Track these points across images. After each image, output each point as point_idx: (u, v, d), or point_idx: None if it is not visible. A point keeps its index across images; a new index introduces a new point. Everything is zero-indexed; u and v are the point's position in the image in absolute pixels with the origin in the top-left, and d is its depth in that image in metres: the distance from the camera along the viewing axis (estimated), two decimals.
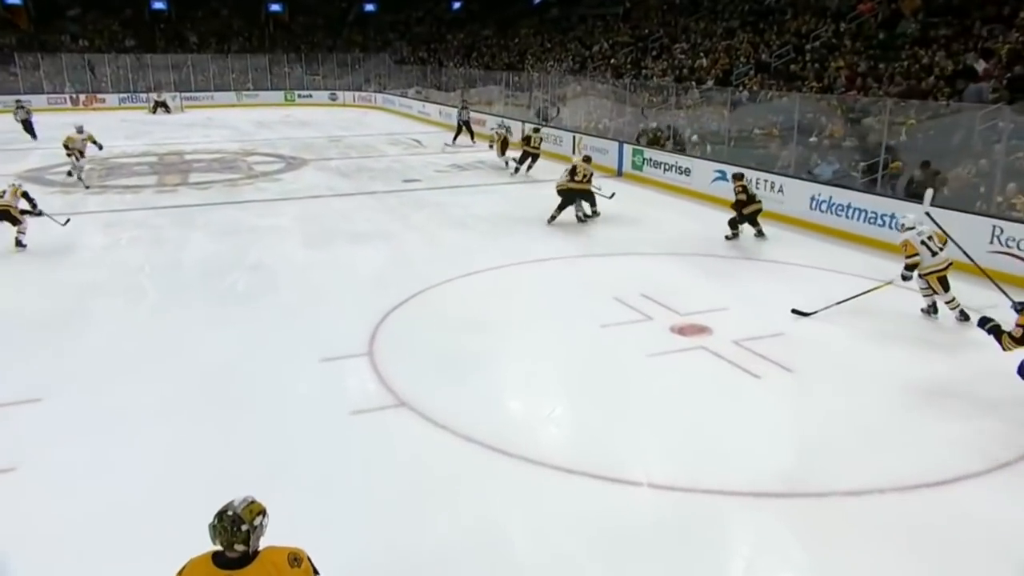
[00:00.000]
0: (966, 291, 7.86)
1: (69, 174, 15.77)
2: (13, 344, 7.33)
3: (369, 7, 42.95)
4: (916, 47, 15.06)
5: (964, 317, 7.63)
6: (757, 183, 12.88)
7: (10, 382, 6.45)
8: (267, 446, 5.48)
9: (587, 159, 12.91)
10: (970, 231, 9.33)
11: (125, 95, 34.00)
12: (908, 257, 7.69)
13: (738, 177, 11.21)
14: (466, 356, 7.01)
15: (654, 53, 23.26)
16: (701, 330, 7.55)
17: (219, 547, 2.86)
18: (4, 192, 10.56)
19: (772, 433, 5.70)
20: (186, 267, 9.96)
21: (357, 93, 36.98)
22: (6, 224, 10.59)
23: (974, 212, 9.90)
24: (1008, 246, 9.13)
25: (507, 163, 17.27)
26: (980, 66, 13.37)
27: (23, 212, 10.72)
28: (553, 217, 12.14)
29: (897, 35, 16.09)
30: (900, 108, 12.27)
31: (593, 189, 12.22)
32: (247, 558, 2.86)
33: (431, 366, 6.79)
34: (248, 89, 36.56)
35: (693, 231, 11.63)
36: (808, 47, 17.73)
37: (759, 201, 11.25)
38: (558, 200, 12.07)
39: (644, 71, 22.18)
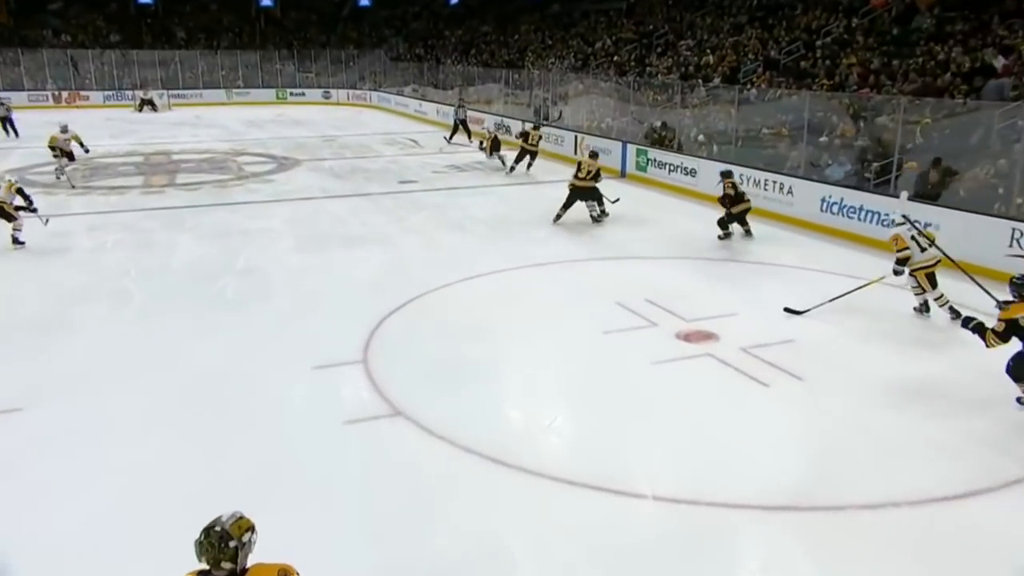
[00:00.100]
0: (974, 292, 7.90)
1: (59, 177, 15.77)
2: None
3: (364, 2, 43.00)
4: (931, 43, 15.08)
5: (955, 314, 7.76)
6: (766, 185, 12.94)
7: None
8: (256, 458, 5.48)
9: (594, 154, 12.97)
10: (988, 234, 9.39)
11: (110, 92, 34.04)
12: (899, 251, 7.97)
13: (726, 175, 11.46)
14: (464, 364, 7.02)
15: (659, 50, 23.30)
16: (707, 337, 7.57)
17: (205, 565, 2.86)
18: None
19: (781, 443, 5.71)
20: (174, 271, 9.98)
21: (351, 91, 37.03)
22: (1, 222, 10.66)
23: (992, 214, 9.93)
24: None
25: (503, 161, 17.35)
26: (999, 62, 13.37)
27: (17, 208, 10.79)
28: (558, 216, 12.23)
29: (912, 30, 16.12)
30: (915, 106, 12.28)
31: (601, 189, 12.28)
32: None
33: (428, 374, 6.81)
34: (238, 87, 36.60)
35: (699, 234, 11.65)
36: (819, 43, 17.75)
37: (748, 200, 11.50)
38: (563, 200, 12.20)
39: (648, 69, 22.22)
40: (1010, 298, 6.12)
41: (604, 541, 4.58)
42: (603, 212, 12.48)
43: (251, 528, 2.92)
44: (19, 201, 10.86)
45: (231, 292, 9.18)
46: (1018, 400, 6.12)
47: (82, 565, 4.35)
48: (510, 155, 17.26)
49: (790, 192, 12.57)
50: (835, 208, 11.72)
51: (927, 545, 4.55)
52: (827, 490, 5.09)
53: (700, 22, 23.45)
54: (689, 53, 21.73)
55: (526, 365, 7.14)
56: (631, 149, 16.81)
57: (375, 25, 43.11)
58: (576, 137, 18.78)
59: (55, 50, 35.28)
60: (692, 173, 14.81)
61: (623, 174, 16.70)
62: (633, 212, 13.01)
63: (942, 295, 7.93)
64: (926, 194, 11.01)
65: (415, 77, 33.53)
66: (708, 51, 21.02)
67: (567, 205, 12.21)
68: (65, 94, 33.33)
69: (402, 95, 32.91)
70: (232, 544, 2.84)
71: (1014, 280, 6.11)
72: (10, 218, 10.65)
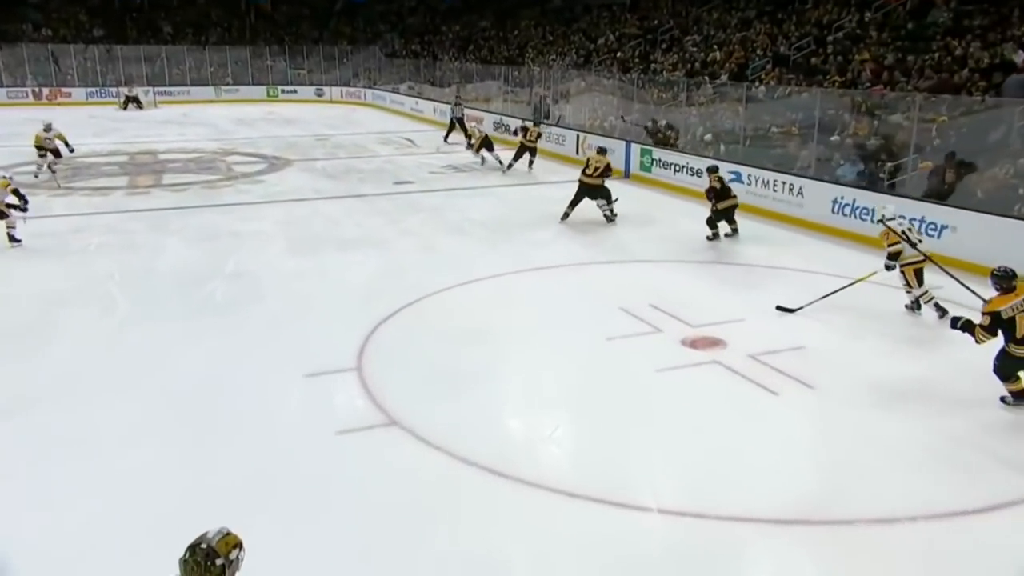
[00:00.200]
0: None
1: (37, 175, 15.79)
2: None
3: None
4: (948, 38, 15.11)
5: (942, 312, 7.92)
6: (775, 185, 12.96)
7: None
8: (245, 470, 5.47)
9: (602, 150, 13.05)
10: (1007, 235, 9.39)
11: (93, 89, 34.08)
12: (890, 245, 8.18)
13: (712, 170, 11.68)
14: (462, 371, 7.03)
15: (664, 46, 23.36)
16: (714, 343, 7.58)
17: None
18: None
19: (791, 454, 5.72)
20: (160, 275, 9.98)
21: (345, 88, 37.12)
22: None
23: (1012, 216, 9.94)
24: None
25: (499, 160, 17.40)
26: (1019, 57, 13.38)
27: (9, 207, 10.97)
28: (566, 214, 12.31)
29: (927, 25, 16.16)
30: (930, 104, 12.31)
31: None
32: None
33: (425, 382, 6.81)
34: (227, 84, 36.64)
35: (705, 236, 11.65)
36: (830, 39, 17.80)
37: (734, 196, 11.66)
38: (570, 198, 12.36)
39: (653, 65, 22.27)
40: (994, 292, 6.28)
41: (607, 556, 4.58)
42: (610, 211, 12.52)
43: (238, 545, 2.90)
44: (12, 199, 11.01)
45: (220, 297, 9.19)
46: (1002, 399, 6.23)
47: None
48: (505, 156, 17.31)
49: (800, 193, 12.59)
50: (847, 210, 11.74)
51: (939, 561, 4.55)
52: (838, 503, 5.09)
53: (706, 17, 23.51)
54: (695, 49, 21.77)
55: (527, 373, 7.16)
56: (635, 149, 16.84)
57: (370, 20, 43.18)
58: (578, 136, 18.82)
59: (35, 45, 35.36)
60: (698, 174, 14.80)
61: (627, 174, 16.72)
62: (637, 214, 13.03)
63: (926, 291, 8.17)
64: (940, 193, 11.03)
65: (411, 74, 33.58)
66: (715, 47, 21.06)
67: (575, 202, 12.29)
68: (46, 91, 33.34)
69: (398, 93, 32.97)
70: (219, 562, 2.81)
71: (995, 272, 6.28)
72: (2, 216, 10.88)
